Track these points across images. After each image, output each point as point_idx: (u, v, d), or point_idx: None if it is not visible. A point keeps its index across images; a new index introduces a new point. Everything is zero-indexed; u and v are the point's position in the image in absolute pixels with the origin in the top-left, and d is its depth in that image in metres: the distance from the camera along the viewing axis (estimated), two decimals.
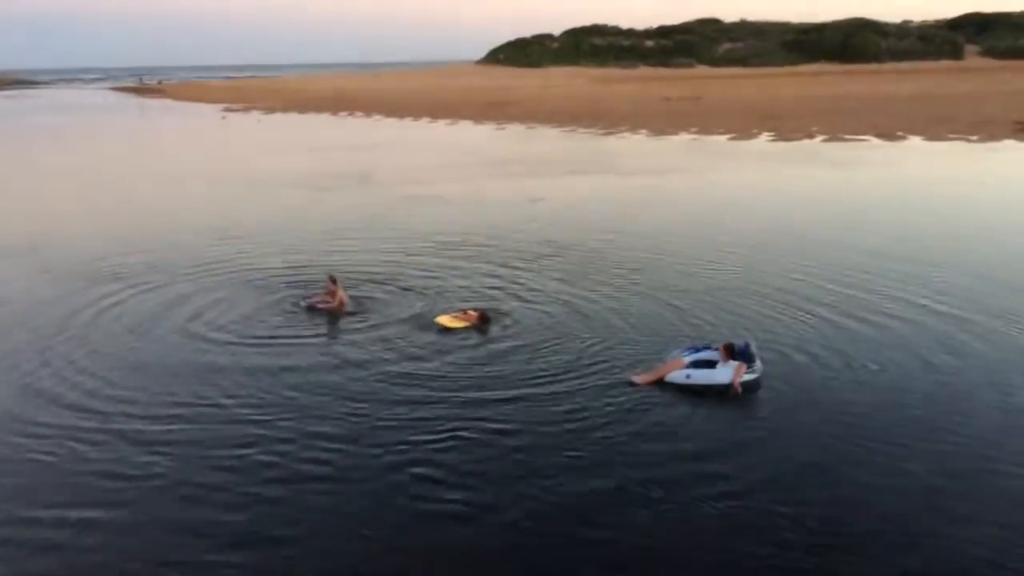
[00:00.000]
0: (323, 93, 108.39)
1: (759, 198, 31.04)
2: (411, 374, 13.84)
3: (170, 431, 11.97)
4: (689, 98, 77.77)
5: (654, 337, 15.31)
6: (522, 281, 19.32)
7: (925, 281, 18.71)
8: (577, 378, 13.47)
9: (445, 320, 16.00)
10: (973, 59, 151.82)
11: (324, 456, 11.11)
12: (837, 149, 44.54)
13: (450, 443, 11.39)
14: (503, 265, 20.84)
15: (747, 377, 12.99)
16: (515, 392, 12.97)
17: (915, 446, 11.22)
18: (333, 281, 17.64)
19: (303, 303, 17.80)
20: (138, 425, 12.17)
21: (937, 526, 9.47)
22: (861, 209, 28.18)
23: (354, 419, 12.21)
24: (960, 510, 9.76)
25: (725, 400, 12.77)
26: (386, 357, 14.65)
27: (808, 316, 16.42)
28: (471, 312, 16.24)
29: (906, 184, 33.66)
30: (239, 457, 11.13)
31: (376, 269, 20.64)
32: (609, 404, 12.50)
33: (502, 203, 30.84)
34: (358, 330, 16.23)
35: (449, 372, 13.90)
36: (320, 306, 17.40)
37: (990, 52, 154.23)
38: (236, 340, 15.77)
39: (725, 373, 12.97)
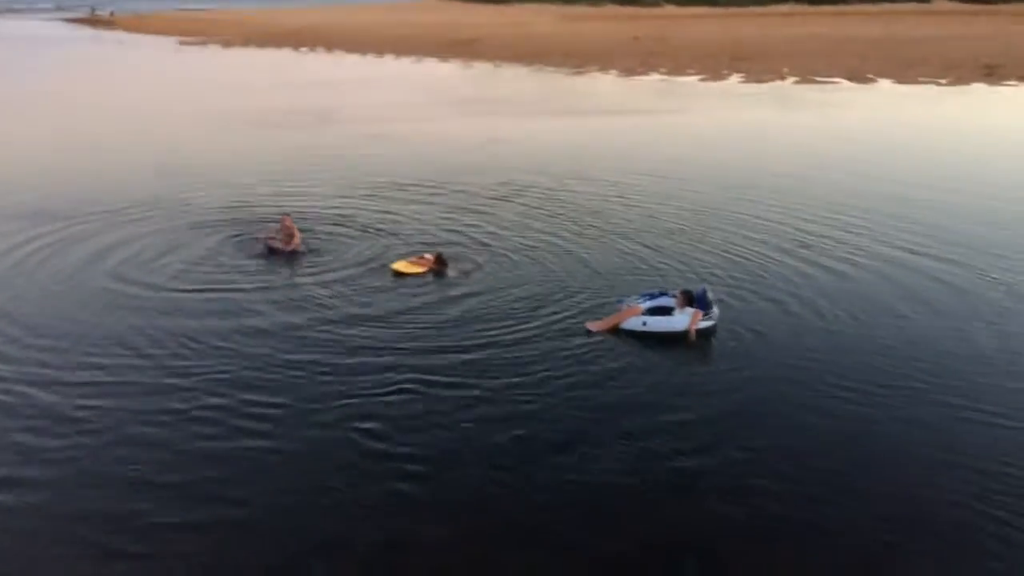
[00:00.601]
0: (283, 27, 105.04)
1: (729, 141, 30.37)
2: (360, 320, 13.21)
3: (101, 383, 11.20)
4: (658, 37, 76.34)
5: (613, 283, 14.86)
6: (481, 224, 18.66)
7: (897, 226, 18.30)
8: (533, 325, 12.99)
9: (400, 266, 15.34)
10: (941, 3, 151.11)
11: (267, 411, 10.40)
12: (808, 90, 43.92)
13: (398, 394, 10.82)
14: (463, 208, 20.12)
15: (703, 324, 12.74)
16: (469, 341, 12.44)
17: (876, 393, 10.89)
18: (287, 219, 16.80)
19: (258, 239, 16.93)
20: (64, 377, 11.37)
21: (909, 472, 9.22)
22: (833, 153, 27.67)
23: (299, 369, 11.54)
24: (930, 456, 9.49)
25: (681, 347, 12.44)
26: (336, 303, 13.96)
27: (772, 261, 15.99)
28: (427, 256, 15.58)
29: (879, 127, 33.12)
30: (175, 412, 10.40)
31: (331, 210, 19.82)
32: (564, 352, 12.08)
33: (465, 144, 29.81)
34: (310, 273, 15.47)
35: (400, 320, 13.28)
36: (273, 244, 16.55)
37: None
38: (173, 283, 14.96)
39: (681, 320, 12.71)
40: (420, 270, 15.21)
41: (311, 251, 16.62)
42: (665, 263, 15.99)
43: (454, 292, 14.48)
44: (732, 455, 9.48)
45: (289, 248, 16.43)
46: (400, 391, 10.90)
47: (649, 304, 13.11)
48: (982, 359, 11.90)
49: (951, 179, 23.27)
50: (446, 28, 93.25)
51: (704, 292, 13.07)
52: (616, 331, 12.77)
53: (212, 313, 13.53)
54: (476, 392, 10.87)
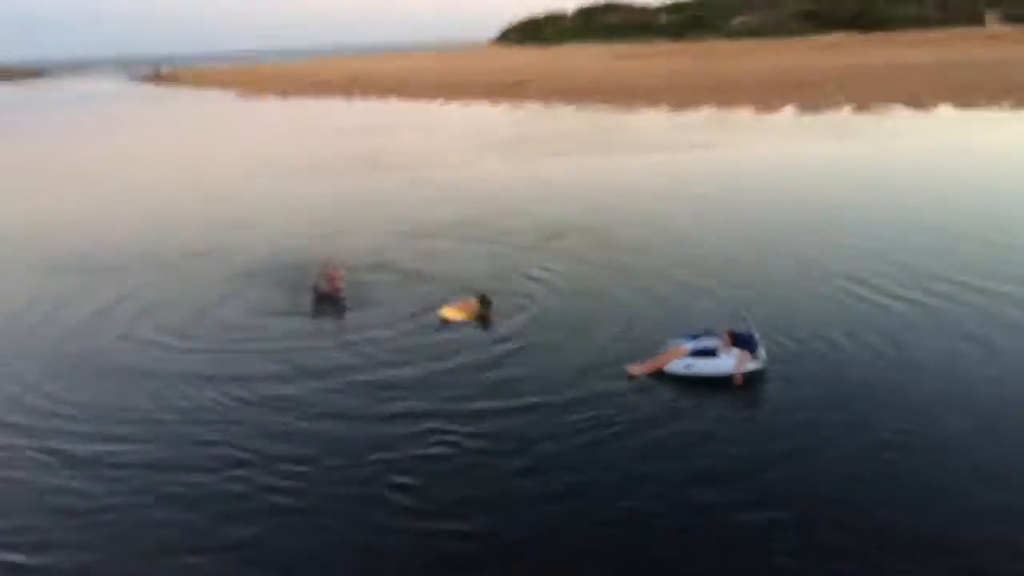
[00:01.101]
0: (335, 76, 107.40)
1: (788, 174, 29.81)
2: (401, 366, 13.10)
3: (136, 432, 11.06)
4: (707, 72, 76.17)
5: (659, 323, 14.32)
6: (527, 266, 18.41)
7: (966, 261, 17.35)
8: (574, 370, 12.57)
9: (448, 312, 15.19)
10: (994, 26, 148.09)
11: (298, 465, 10.20)
12: (866, 119, 43.10)
13: (435, 449, 10.49)
14: (510, 250, 19.94)
15: (751, 367, 12.02)
16: (510, 390, 12.06)
17: (931, 435, 10.32)
18: (326, 268, 16.92)
19: (310, 286, 16.90)
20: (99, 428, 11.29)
21: (975, 520, 8.66)
22: (898, 183, 27.01)
23: (335, 419, 11.41)
24: (993, 502, 8.91)
25: (728, 392, 11.80)
26: (376, 352, 13.82)
27: (826, 299, 15.38)
28: (471, 301, 15.37)
29: (945, 153, 32.24)
30: (207, 470, 10.22)
31: (379, 255, 19.85)
32: (605, 399, 11.58)
33: (512, 186, 29.74)
34: (353, 320, 15.48)
35: (443, 367, 13.03)
36: (319, 290, 16.58)
37: (1011, 19, 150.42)
38: (215, 339, 14.82)
39: (727, 363, 12.05)
40: (466, 315, 15.04)
41: (358, 297, 16.52)
42: (713, 302, 15.46)
43: (496, 336, 14.24)
44: (792, 506, 8.97)
45: (331, 291, 16.40)
46: (440, 443, 10.59)
47: (693, 345, 12.44)
48: None
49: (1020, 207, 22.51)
50: (496, 72, 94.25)
51: (751, 332, 12.40)
52: (659, 374, 12.18)
53: (242, 371, 13.23)
54: (512, 445, 10.45)
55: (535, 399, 11.68)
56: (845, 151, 33.66)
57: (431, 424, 11.06)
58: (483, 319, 14.96)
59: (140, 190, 32.96)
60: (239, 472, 10.08)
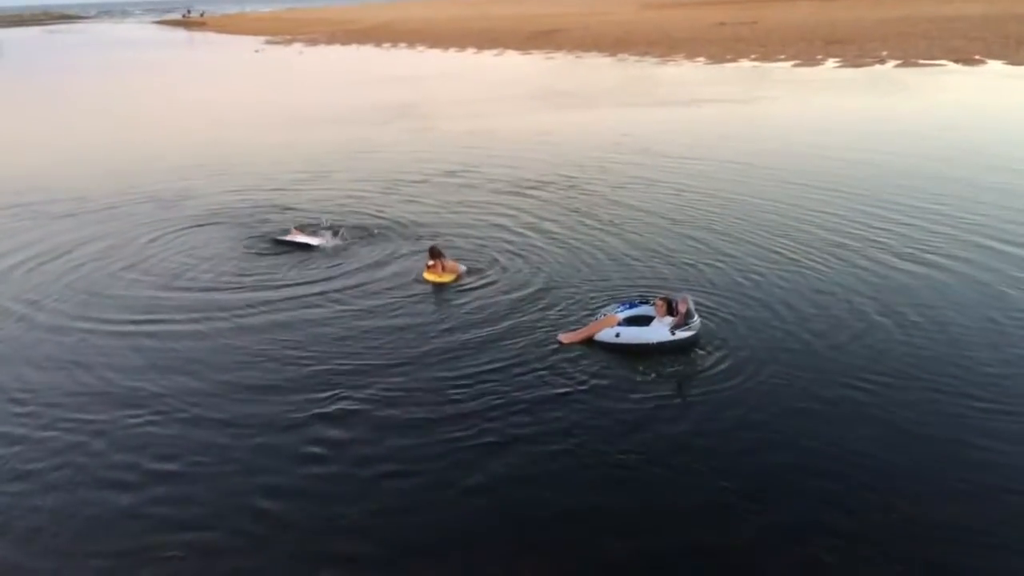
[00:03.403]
0: (367, 23, 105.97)
1: (825, 130, 28.61)
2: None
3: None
4: (746, 23, 73.84)
5: (625, 287, 13.96)
6: (513, 221, 18.24)
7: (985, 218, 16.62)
8: (506, 337, 12.19)
9: (429, 276, 14.74)
10: None
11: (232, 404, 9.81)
12: (912, 74, 41.36)
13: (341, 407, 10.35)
14: (510, 203, 19.81)
15: (683, 335, 11.48)
16: (437, 356, 11.78)
17: (870, 415, 9.84)
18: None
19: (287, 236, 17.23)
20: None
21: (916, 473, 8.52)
22: (934, 142, 25.80)
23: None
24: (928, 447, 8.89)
25: (655, 360, 11.30)
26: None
27: (844, 263, 14.68)
28: (441, 262, 14.86)
29: (993, 114, 30.85)
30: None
31: (392, 209, 19.75)
32: (530, 368, 11.15)
33: (535, 138, 28.88)
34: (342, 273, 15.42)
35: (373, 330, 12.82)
36: (296, 239, 16.84)
37: None
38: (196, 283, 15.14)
39: (657, 332, 11.54)
40: (449, 278, 14.62)
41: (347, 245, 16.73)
42: (706, 265, 14.96)
43: (433, 293, 14.21)
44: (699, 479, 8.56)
45: (301, 240, 16.73)
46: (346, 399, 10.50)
47: (627, 313, 12.09)
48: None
49: None
50: (527, 20, 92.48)
51: (684, 299, 11.92)
52: (589, 343, 11.77)
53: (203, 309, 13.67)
54: (419, 414, 10.16)
55: (451, 359, 11.49)
56: (888, 107, 32.27)
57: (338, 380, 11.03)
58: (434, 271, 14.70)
59: (147, 134, 32.59)
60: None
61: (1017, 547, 7.62)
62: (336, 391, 10.69)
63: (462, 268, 14.85)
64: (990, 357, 11.08)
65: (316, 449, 9.43)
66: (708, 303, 12.94)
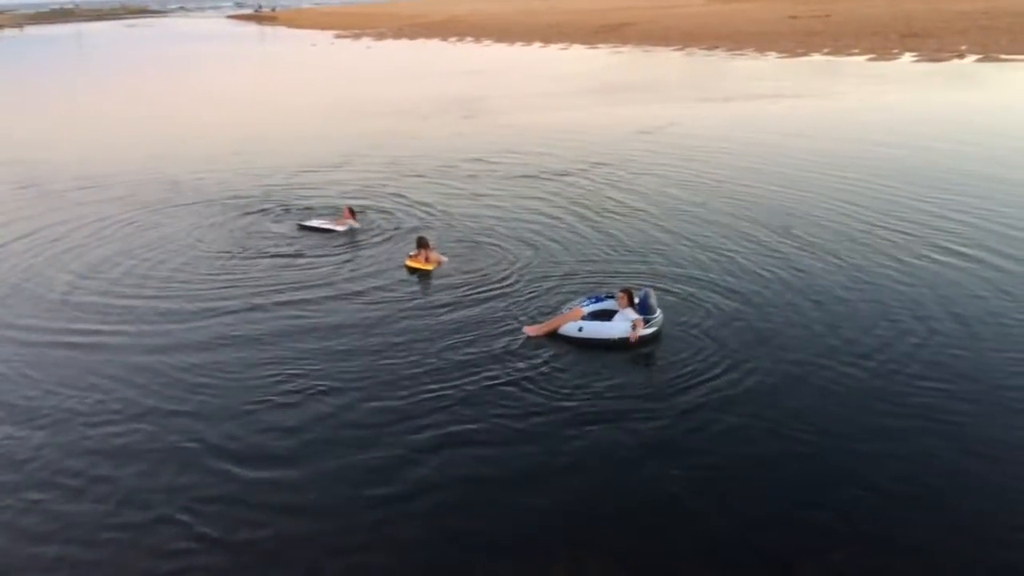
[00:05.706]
0: (434, 18, 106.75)
1: (899, 126, 27.84)
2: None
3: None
4: (819, 16, 72.25)
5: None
6: (528, 213, 18.14)
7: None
8: (474, 329, 12.22)
9: (412, 262, 15.01)
10: None
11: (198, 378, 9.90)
12: (993, 69, 40.01)
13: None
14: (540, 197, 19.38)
15: (646, 331, 11.47)
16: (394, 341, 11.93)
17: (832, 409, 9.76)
18: (351, 211, 17.69)
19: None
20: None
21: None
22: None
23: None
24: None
25: (618, 354, 11.27)
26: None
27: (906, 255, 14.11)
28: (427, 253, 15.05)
29: None
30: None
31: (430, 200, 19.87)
32: (496, 361, 11.14)
33: (615, 134, 28.66)
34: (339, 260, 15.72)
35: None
36: (323, 225, 17.43)
37: None
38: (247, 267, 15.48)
39: (619, 327, 11.56)
40: (424, 266, 14.85)
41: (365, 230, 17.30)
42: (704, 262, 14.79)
43: (416, 283, 14.35)
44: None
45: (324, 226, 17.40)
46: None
47: (592, 307, 12.19)
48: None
49: None
50: (595, 14, 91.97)
51: (646, 297, 11.88)
52: (553, 336, 11.78)
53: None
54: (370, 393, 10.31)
55: (415, 351, 11.52)
56: (967, 102, 31.29)
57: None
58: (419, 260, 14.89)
59: (210, 127, 33.34)
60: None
61: None
62: (286, 377, 10.91)
63: (444, 259, 15.08)
64: None
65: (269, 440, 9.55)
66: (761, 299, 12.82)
